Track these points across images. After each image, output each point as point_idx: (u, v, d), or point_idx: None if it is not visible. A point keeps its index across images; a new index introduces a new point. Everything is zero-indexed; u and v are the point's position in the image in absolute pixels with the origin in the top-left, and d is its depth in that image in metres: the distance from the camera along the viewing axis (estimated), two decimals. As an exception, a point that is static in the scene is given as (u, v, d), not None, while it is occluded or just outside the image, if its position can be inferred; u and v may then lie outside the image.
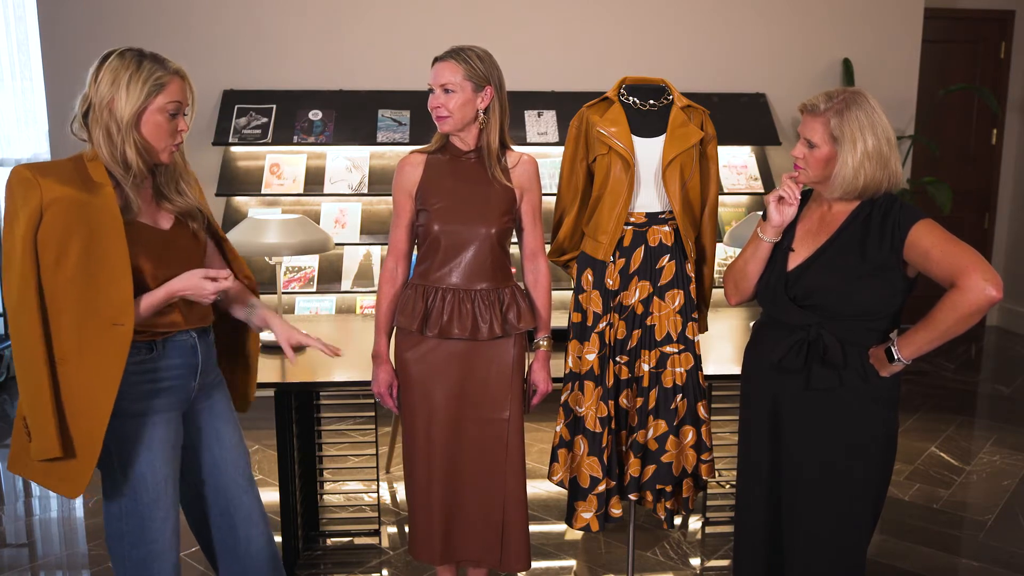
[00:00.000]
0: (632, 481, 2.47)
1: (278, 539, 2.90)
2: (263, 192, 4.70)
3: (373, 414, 3.32)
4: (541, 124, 4.88)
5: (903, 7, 5.29)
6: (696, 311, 2.49)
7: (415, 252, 2.41)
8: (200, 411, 2.05)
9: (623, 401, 2.49)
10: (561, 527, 3.39)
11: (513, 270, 2.40)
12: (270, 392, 2.80)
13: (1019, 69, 6.25)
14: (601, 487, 2.46)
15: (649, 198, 2.41)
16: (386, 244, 2.41)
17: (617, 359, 2.45)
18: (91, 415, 1.80)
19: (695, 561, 3.16)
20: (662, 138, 2.39)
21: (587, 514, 2.47)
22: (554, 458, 2.53)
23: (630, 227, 2.41)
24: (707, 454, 2.50)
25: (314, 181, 4.74)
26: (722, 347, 3.05)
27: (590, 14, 5.06)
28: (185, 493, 2.11)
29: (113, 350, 1.79)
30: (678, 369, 2.44)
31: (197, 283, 1.87)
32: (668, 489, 2.50)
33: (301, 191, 4.70)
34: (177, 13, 4.82)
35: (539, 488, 3.68)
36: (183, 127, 1.90)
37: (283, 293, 4.52)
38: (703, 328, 2.57)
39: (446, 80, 2.23)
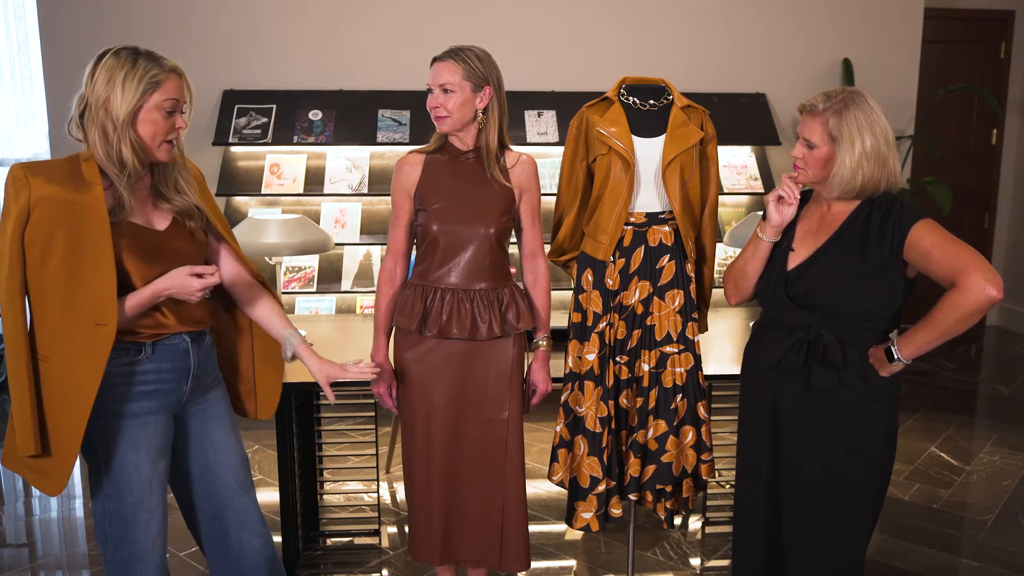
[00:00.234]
0: (632, 481, 2.47)
1: (278, 539, 2.90)
2: (263, 192, 4.70)
3: (373, 414, 3.32)
4: (541, 124, 4.88)
5: (903, 7, 5.30)
6: (696, 311, 2.49)
7: (414, 252, 2.41)
8: (193, 414, 2.03)
9: (623, 401, 2.49)
10: (561, 527, 3.39)
11: (512, 270, 2.40)
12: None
13: (1019, 69, 6.25)
14: (601, 487, 2.46)
15: (649, 198, 2.41)
16: (386, 244, 2.41)
17: (617, 359, 2.45)
18: (70, 414, 1.81)
19: (695, 561, 3.16)
20: (662, 138, 2.39)
21: (587, 514, 2.47)
22: (554, 458, 2.53)
23: (630, 227, 2.41)
24: (707, 454, 2.50)
25: (314, 181, 4.74)
26: (722, 347, 3.05)
27: (590, 14, 5.06)
28: (181, 496, 2.10)
29: (95, 350, 1.79)
30: (678, 369, 2.44)
31: (182, 281, 1.84)
32: (668, 489, 2.50)
33: (301, 191, 4.70)
34: (177, 13, 4.82)
35: (539, 488, 3.68)
36: (180, 125, 1.89)
37: (283, 293, 4.52)
38: (703, 328, 2.57)
39: (445, 80, 2.23)
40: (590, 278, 2.44)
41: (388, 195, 2.40)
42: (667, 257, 2.42)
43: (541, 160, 4.65)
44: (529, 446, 4.08)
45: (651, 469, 2.45)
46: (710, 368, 2.70)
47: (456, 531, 2.41)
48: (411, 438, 2.38)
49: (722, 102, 4.98)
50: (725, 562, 3.13)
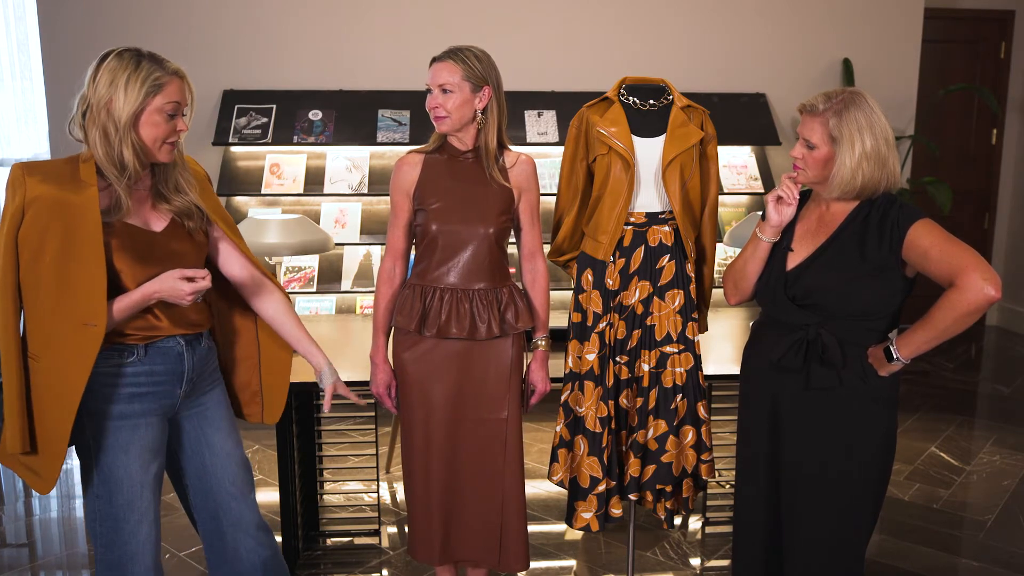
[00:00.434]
0: (632, 481, 2.47)
1: (277, 539, 2.90)
2: (263, 192, 4.70)
3: (373, 414, 3.33)
4: (541, 124, 4.88)
5: (903, 7, 5.29)
6: (696, 311, 2.49)
7: (413, 252, 2.41)
8: (189, 417, 2.03)
9: (623, 401, 2.49)
10: (561, 527, 3.39)
11: (512, 270, 2.40)
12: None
13: (1019, 69, 6.25)
14: (601, 487, 2.46)
15: (649, 198, 2.41)
16: (385, 244, 2.41)
17: (617, 359, 2.45)
18: (58, 413, 1.81)
19: (695, 561, 3.16)
20: (662, 138, 2.39)
21: (587, 514, 2.48)
22: (554, 458, 2.53)
23: (630, 227, 2.41)
24: (707, 454, 2.50)
25: (314, 181, 4.74)
26: (722, 347, 3.05)
27: (590, 14, 5.06)
28: (181, 496, 2.11)
29: (83, 350, 1.79)
30: (678, 369, 2.44)
31: (172, 284, 1.83)
32: (668, 489, 2.50)
33: (301, 191, 4.70)
34: (177, 13, 4.82)
35: (539, 488, 3.68)
36: (182, 127, 1.89)
37: (283, 293, 4.51)
38: (703, 328, 2.57)
39: (444, 80, 2.23)
40: (590, 278, 2.44)
41: (388, 195, 2.40)
42: (667, 257, 2.42)
43: (541, 160, 4.65)
44: (529, 446, 4.08)
45: (651, 469, 2.45)
46: (710, 368, 2.70)
47: (455, 531, 2.41)
48: (410, 438, 2.38)
49: (722, 102, 4.98)
50: (725, 562, 3.13)
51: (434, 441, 2.34)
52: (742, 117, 5.06)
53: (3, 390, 1.84)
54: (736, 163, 5.03)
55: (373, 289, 4.62)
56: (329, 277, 4.73)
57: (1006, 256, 6.43)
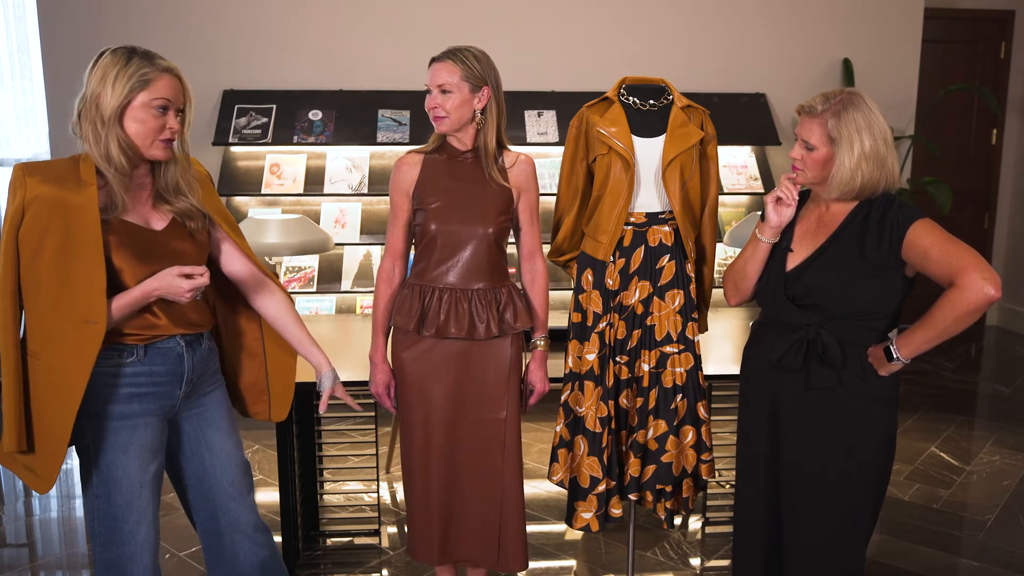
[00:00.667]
0: (632, 481, 2.47)
1: (277, 539, 2.90)
2: (263, 192, 4.70)
3: (373, 414, 3.33)
4: (541, 124, 4.88)
5: (903, 7, 5.30)
6: (696, 311, 2.49)
7: (412, 252, 2.41)
8: (188, 418, 2.03)
9: (623, 401, 2.49)
10: (561, 527, 3.39)
11: (512, 270, 2.40)
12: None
13: (1019, 69, 6.25)
14: (601, 487, 2.46)
15: (649, 198, 2.41)
16: (385, 244, 2.41)
17: (617, 359, 2.45)
18: (57, 412, 1.81)
19: (695, 561, 3.16)
20: (662, 138, 2.39)
21: (587, 514, 2.48)
22: (554, 458, 2.53)
23: (630, 227, 2.41)
24: (707, 454, 2.50)
25: (314, 181, 4.74)
26: (722, 347, 3.05)
27: (590, 14, 5.06)
28: (181, 496, 2.11)
29: (84, 348, 1.79)
30: (678, 369, 2.44)
31: (171, 282, 1.83)
32: (668, 489, 2.50)
33: (301, 191, 4.70)
34: (177, 13, 4.82)
35: (539, 488, 3.68)
36: (172, 125, 1.86)
37: (283, 293, 4.52)
38: (703, 328, 2.57)
39: (443, 81, 2.23)
40: (590, 278, 2.44)
41: (388, 195, 2.40)
42: (667, 257, 2.42)
43: (541, 160, 4.66)
44: (529, 446, 4.08)
45: (651, 469, 2.45)
46: (710, 368, 2.70)
47: (454, 531, 2.41)
48: (409, 438, 2.38)
49: (722, 102, 4.98)
50: (725, 562, 3.13)
51: (433, 441, 2.34)
52: (742, 117, 5.06)
53: (2, 389, 1.84)
54: (736, 163, 5.03)
55: (373, 289, 4.62)
56: (329, 277, 4.73)
57: (1006, 256, 6.43)
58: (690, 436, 2.47)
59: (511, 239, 2.43)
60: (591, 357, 2.43)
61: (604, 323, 2.43)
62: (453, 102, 2.23)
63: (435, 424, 2.34)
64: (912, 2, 5.30)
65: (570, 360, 2.48)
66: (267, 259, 3.30)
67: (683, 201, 2.41)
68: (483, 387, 2.34)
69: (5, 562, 3.15)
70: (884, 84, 5.24)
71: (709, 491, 3.43)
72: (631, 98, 2.42)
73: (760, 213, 2.19)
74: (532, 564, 3.05)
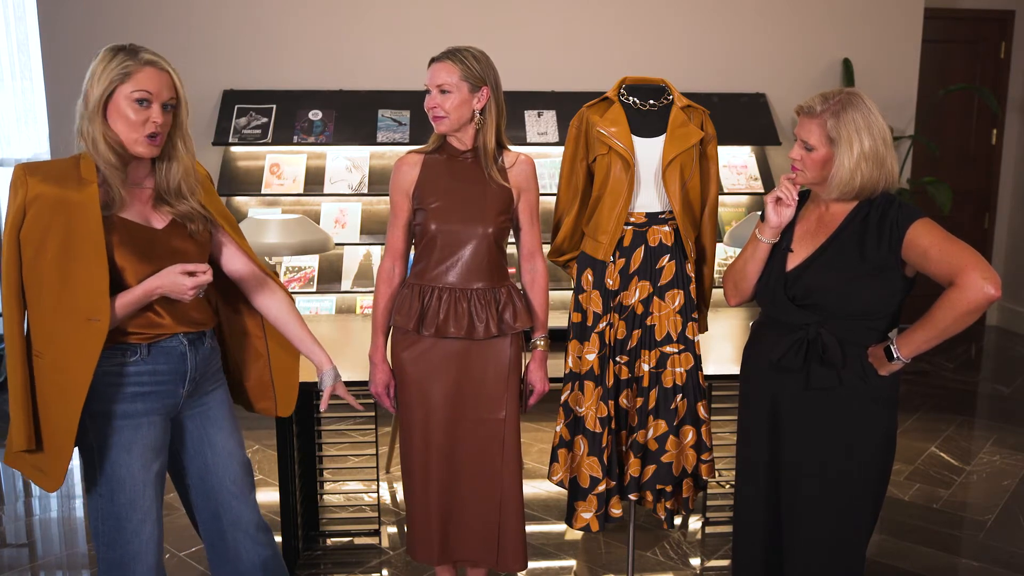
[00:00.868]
0: (632, 481, 2.47)
1: (277, 538, 2.90)
2: (263, 192, 4.70)
3: (373, 414, 3.33)
4: (541, 124, 4.88)
5: (903, 7, 5.29)
6: (696, 311, 2.49)
7: (412, 251, 2.41)
8: (191, 416, 2.03)
9: (623, 401, 2.49)
10: (561, 527, 3.39)
11: (512, 270, 2.41)
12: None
13: (1019, 69, 6.25)
14: (601, 487, 2.46)
15: (649, 198, 2.41)
16: (385, 244, 2.42)
17: (617, 359, 2.45)
18: (63, 410, 1.82)
19: (695, 561, 3.16)
20: (662, 138, 2.39)
21: (587, 514, 2.48)
22: (554, 458, 2.53)
23: (630, 227, 2.41)
24: (707, 454, 2.50)
25: (314, 181, 4.74)
26: (722, 347, 3.05)
27: (590, 14, 5.06)
28: (182, 495, 2.11)
29: (87, 346, 1.79)
30: (678, 369, 2.44)
31: (173, 279, 1.83)
32: (668, 489, 2.50)
33: (301, 191, 4.70)
34: (177, 13, 4.82)
35: (539, 488, 3.68)
36: (155, 119, 1.84)
37: (283, 293, 4.52)
38: (703, 328, 2.57)
39: (442, 81, 2.23)
40: (590, 278, 2.44)
41: (388, 195, 2.41)
42: (667, 257, 2.42)
43: (541, 160, 4.66)
44: (529, 446, 4.08)
45: (651, 469, 2.45)
46: (710, 368, 2.70)
47: (454, 531, 2.41)
48: (409, 438, 2.38)
49: (722, 102, 4.98)
50: (725, 562, 3.13)
51: (433, 441, 2.34)
52: (742, 117, 5.06)
53: (9, 388, 1.84)
54: (736, 163, 5.03)
55: (373, 289, 4.63)
56: (329, 277, 4.73)
57: (1006, 256, 6.43)
58: (690, 436, 2.46)
59: (511, 239, 2.43)
60: (591, 357, 2.43)
61: (604, 323, 2.43)
62: (452, 102, 2.23)
63: (435, 424, 2.34)
64: (912, 2, 5.30)
65: (570, 360, 2.48)
66: (267, 259, 3.30)
67: (683, 201, 2.41)
68: (482, 387, 2.34)
69: (5, 562, 3.15)
70: (884, 84, 5.24)
71: (709, 491, 3.43)
72: (631, 98, 2.42)
73: (760, 213, 2.19)
74: (532, 564, 3.05)
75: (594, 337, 2.43)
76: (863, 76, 5.18)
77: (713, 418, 2.85)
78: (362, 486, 3.67)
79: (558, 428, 2.51)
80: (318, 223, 4.65)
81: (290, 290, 4.60)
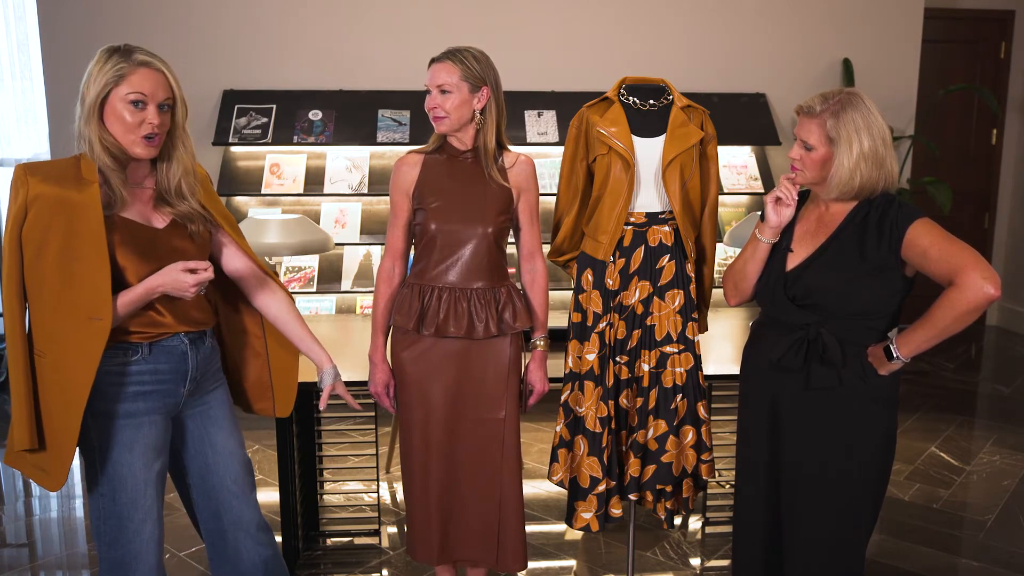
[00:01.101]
0: (632, 481, 2.47)
1: (277, 538, 2.90)
2: (263, 192, 4.70)
3: (373, 414, 3.33)
4: (541, 124, 4.88)
5: (903, 7, 5.29)
6: (696, 311, 2.49)
7: (412, 251, 2.41)
8: (192, 416, 2.03)
9: (623, 401, 2.49)
10: (561, 527, 3.39)
11: (512, 270, 2.41)
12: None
13: (1019, 69, 6.25)
14: (601, 487, 2.46)
15: (649, 198, 2.41)
16: (385, 244, 2.42)
17: (617, 359, 2.45)
18: (65, 409, 1.82)
19: (695, 561, 3.16)
20: (662, 138, 2.40)
21: (587, 514, 2.48)
22: (554, 458, 2.53)
23: (630, 227, 2.41)
24: (707, 454, 2.50)
25: (314, 181, 4.74)
26: (722, 347, 3.05)
27: (590, 14, 5.06)
28: (183, 495, 2.11)
29: (90, 345, 1.79)
30: (678, 369, 2.44)
31: (175, 277, 1.83)
32: (668, 489, 2.50)
33: (301, 191, 4.70)
34: (177, 13, 4.82)
35: (539, 488, 3.68)
36: (152, 120, 1.84)
37: (283, 293, 4.52)
38: (703, 328, 2.57)
39: (442, 81, 2.23)
40: (590, 278, 2.44)
41: (388, 195, 2.41)
42: (667, 257, 2.42)
43: (541, 160, 4.66)
44: (529, 446, 4.08)
45: (651, 469, 2.45)
46: (710, 368, 2.70)
47: (454, 531, 2.41)
48: (409, 438, 2.38)
49: (722, 102, 4.98)
50: (725, 562, 3.13)
51: (433, 441, 2.34)
52: (742, 117, 5.06)
53: (11, 388, 1.85)
54: (736, 163, 5.03)
55: (373, 289, 4.63)
56: (329, 277, 4.73)
57: (1006, 256, 6.43)
58: (690, 436, 2.47)
59: (511, 239, 2.43)
60: (591, 357, 2.43)
61: (604, 323, 2.43)
62: (452, 102, 2.23)
63: (434, 424, 2.34)
64: (912, 2, 5.30)
65: (570, 360, 2.48)
66: (267, 259, 3.30)
67: (683, 201, 2.41)
68: (482, 387, 2.34)
69: (5, 562, 3.16)
70: (884, 84, 5.24)
71: (709, 491, 3.43)
72: (631, 98, 2.42)
73: (760, 213, 2.19)
74: (532, 564, 3.05)
75: (594, 337, 2.43)
76: (863, 76, 5.19)
77: (713, 418, 2.85)
78: (362, 486, 3.67)
79: (558, 428, 2.51)
80: (318, 223, 4.65)
81: (290, 290, 4.60)
